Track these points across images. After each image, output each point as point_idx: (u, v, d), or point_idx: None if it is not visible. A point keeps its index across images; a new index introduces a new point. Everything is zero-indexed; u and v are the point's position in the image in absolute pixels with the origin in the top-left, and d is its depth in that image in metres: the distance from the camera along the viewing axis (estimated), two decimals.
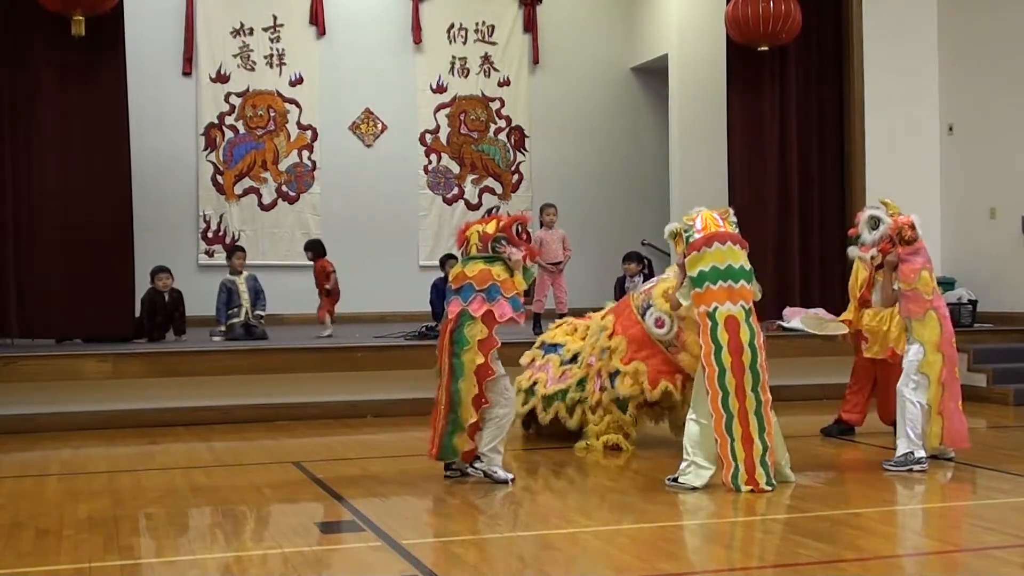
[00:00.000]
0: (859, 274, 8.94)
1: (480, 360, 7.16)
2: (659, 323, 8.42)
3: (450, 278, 7.50)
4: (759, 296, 7.23)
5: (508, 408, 7.40)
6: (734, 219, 7.37)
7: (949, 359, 7.72)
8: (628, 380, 8.43)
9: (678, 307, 7.54)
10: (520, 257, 7.29)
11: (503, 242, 7.29)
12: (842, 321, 8.92)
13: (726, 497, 6.81)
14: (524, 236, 7.43)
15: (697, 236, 7.14)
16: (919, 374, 7.65)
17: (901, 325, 8.40)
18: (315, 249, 12.78)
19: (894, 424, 8.72)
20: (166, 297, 11.48)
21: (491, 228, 7.36)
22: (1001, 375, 11.46)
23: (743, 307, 7.03)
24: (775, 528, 6.30)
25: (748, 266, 7.18)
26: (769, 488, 6.89)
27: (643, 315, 8.50)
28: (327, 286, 12.41)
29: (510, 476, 7.35)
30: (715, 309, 7.00)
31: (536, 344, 9.38)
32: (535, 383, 8.99)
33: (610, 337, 8.63)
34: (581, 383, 8.76)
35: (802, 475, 7.39)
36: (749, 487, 6.85)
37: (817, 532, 6.05)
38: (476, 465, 7.33)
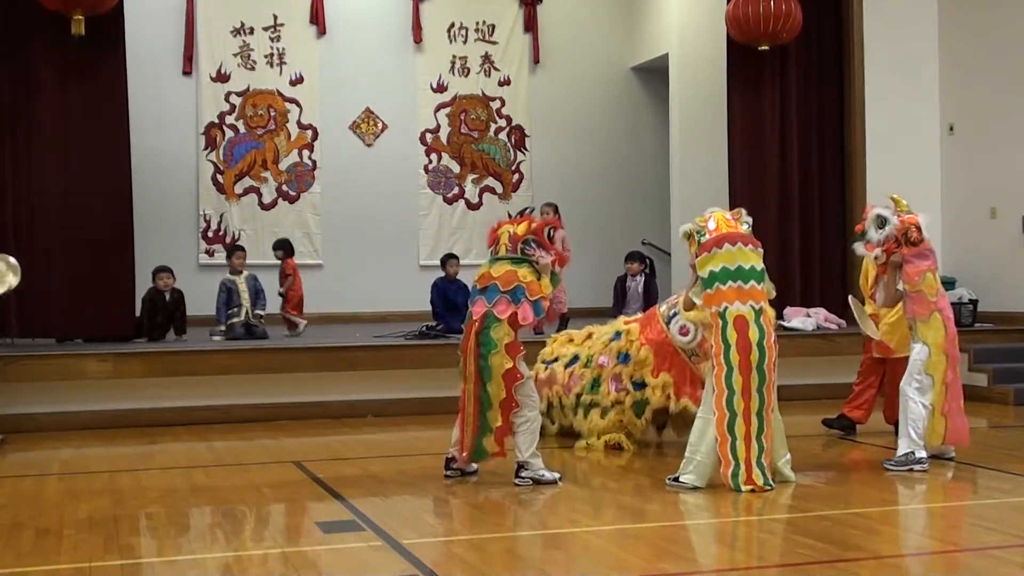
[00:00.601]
0: (869, 272, 8.94)
1: (508, 364, 7.11)
2: (683, 331, 8.41)
3: (475, 278, 7.43)
4: (773, 295, 7.23)
5: (535, 410, 7.37)
6: (748, 220, 7.38)
7: (952, 360, 7.73)
8: (659, 392, 8.48)
9: (692, 307, 7.54)
10: (549, 261, 7.25)
11: (533, 245, 7.25)
12: (872, 316, 8.87)
13: (727, 497, 6.81)
14: (553, 240, 7.40)
15: (708, 237, 7.15)
16: (924, 375, 7.65)
17: (894, 324, 8.43)
18: (285, 248, 12.84)
19: (896, 424, 8.74)
20: (167, 297, 11.48)
21: (521, 230, 7.31)
22: (1001, 375, 11.47)
23: (753, 307, 7.02)
24: (776, 528, 6.30)
25: (760, 266, 7.17)
26: (768, 488, 6.90)
27: (668, 323, 8.51)
28: (282, 288, 12.52)
29: (557, 475, 7.34)
30: (725, 309, 7.00)
31: (539, 361, 9.34)
32: (560, 397, 9.00)
33: (639, 349, 8.62)
34: (595, 384, 8.78)
35: (803, 475, 7.40)
36: (749, 487, 6.86)
37: (818, 532, 6.05)
38: (523, 475, 7.26)
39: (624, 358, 8.64)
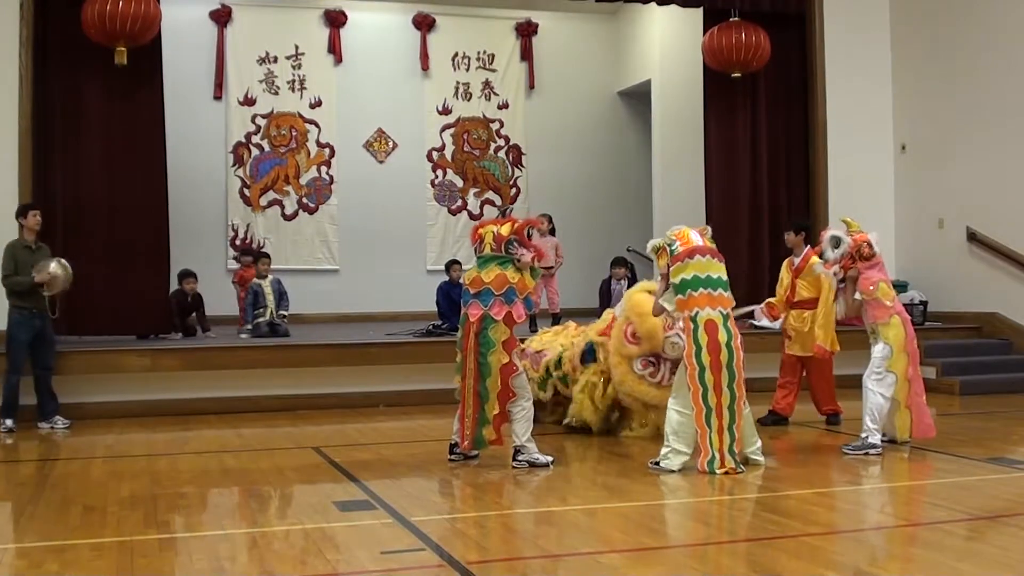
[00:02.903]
0: (784, 279, 9.15)
1: (505, 359, 7.13)
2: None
3: (466, 282, 7.41)
4: (733, 303, 7.26)
5: (529, 400, 7.39)
6: (711, 236, 7.42)
7: (913, 357, 7.78)
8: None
9: (661, 312, 7.54)
10: (529, 259, 7.26)
11: (515, 244, 7.26)
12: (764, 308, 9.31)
13: (703, 478, 6.83)
14: (531, 239, 7.40)
15: (680, 249, 7.17)
16: (887, 371, 7.68)
17: (823, 325, 8.59)
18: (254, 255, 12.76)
19: (828, 414, 8.89)
20: (189, 298, 11.63)
21: (505, 230, 7.30)
22: (949, 368, 11.49)
23: (721, 312, 7.06)
24: (747, 506, 6.31)
25: (725, 277, 7.23)
26: (739, 471, 6.92)
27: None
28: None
29: (550, 459, 7.35)
30: (696, 314, 7.03)
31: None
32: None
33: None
34: (558, 364, 8.94)
35: (771, 459, 7.42)
36: (723, 470, 6.88)
37: (784, 510, 6.07)
38: (519, 458, 7.27)
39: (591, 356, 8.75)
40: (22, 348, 9.20)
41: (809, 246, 9.18)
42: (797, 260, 9.13)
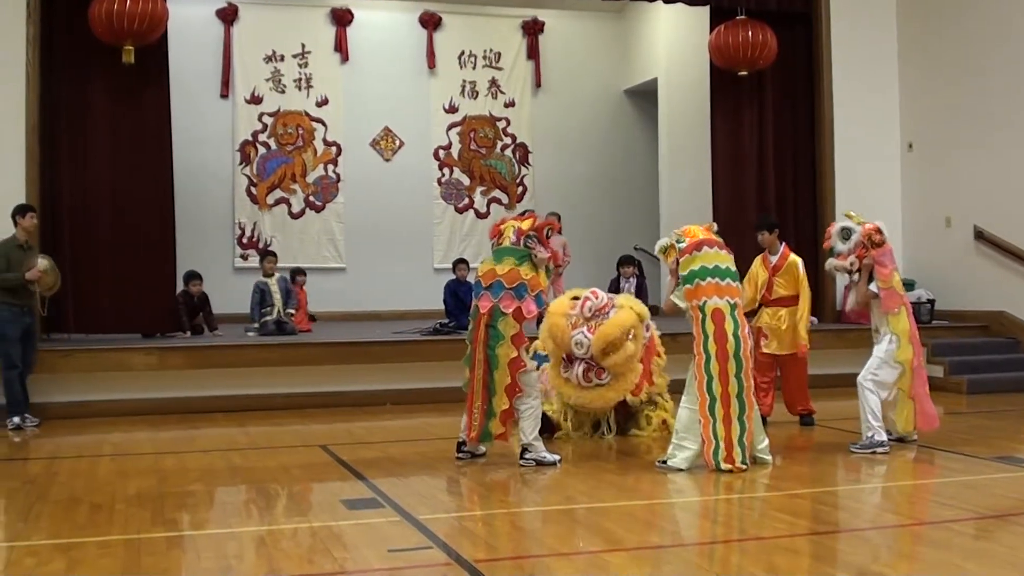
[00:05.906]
0: (759, 277, 9.05)
1: (513, 353, 7.14)
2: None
3: (479, 274, 7.42)
4: (741, 294, 7.25)
5: (538, 399, 7.39)
6: (716, 231, 7.42)
7: (917, 348, 7.77)
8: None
9: (672, 309, 7.51)
10: (546, 256, 7.29)
11: (534, 239, 7.28)
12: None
13: (710, 477, 6.81)
14: (549, 240, 7.41)
15: (687, 243, 7.17)
16: (890, 365, 7.65)
17: (800, 323, 8.66)
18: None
19: (801, 414, 8.85)
20: (195, 299, 11.66)
21: (526, 225, 7.35)
22: (956, 367, 11.46)
23: (729, 302, 7.06)
24: (754, 505, 6.30)
25: (733, 268, 7.23)
26: (743, 467, 6.90)
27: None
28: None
29: (557, 457, 7.34)
30: (704, 303, 7.03)
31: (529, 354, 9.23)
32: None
33: None
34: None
35: (777, 457, 7.39)
36: (728, 465, 6.85)
37: (792, 508, 6.06)
38: (526, 456, 7.27)
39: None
40: (13, 344, 9.27)
41: (784, 243, 9.17)
42: (774, 258, 9.07)
